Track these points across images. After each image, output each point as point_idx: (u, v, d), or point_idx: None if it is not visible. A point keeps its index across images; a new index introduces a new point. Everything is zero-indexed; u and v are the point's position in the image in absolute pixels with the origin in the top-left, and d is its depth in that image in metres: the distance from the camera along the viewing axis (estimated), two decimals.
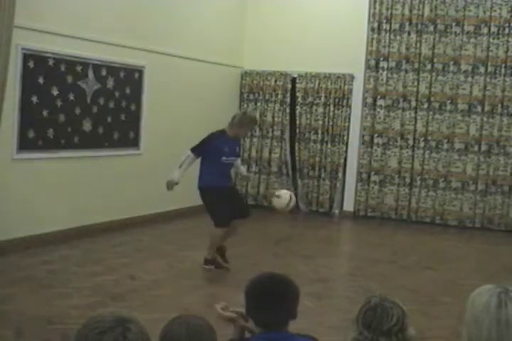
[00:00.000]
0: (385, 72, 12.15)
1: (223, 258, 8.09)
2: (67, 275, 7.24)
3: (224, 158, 7.81)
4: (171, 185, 7.77)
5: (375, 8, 12.11)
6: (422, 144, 12.03)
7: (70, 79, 8.79)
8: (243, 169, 8.72)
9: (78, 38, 8.85)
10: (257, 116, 11.94)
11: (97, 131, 9.40)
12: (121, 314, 2.22)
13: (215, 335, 2.70)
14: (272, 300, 3.04)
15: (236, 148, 8.15)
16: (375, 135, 12.27)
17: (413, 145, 12.09)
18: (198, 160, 7.93)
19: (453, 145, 11.86)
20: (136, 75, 10.11)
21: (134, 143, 10.24)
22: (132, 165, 10.18)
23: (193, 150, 7.81)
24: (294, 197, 8.02)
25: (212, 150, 7.75)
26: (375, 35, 12.15)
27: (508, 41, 11.51)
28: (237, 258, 8.15)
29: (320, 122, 12.52)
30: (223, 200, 7.72)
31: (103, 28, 9.32)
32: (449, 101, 11.85)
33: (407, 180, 12.16)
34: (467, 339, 2.39)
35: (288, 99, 12.72)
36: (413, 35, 11.98)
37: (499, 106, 11.60)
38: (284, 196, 7.92)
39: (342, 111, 12.40)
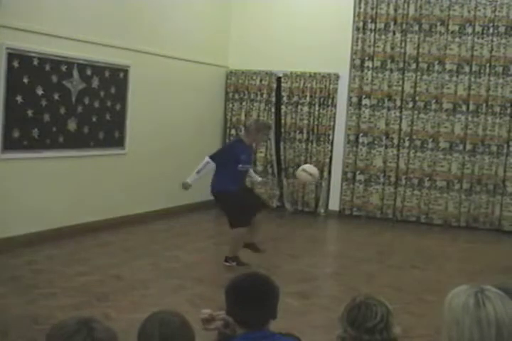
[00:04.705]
0: (370, 72, 12.18)
1: (257, 250, 8.34)
2: (52, 276, 7.21)
3: (240, 165, 8.06)
4: (187, 186, 7.96)
5: (360, 7, 12.13)
6: (407, 143, 12.06)
7: (54, 78, 8.77)
8: (257, 176, 8.90)
9: (63, 38, 8.83)
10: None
11: (82, 130, 9.37)
12: (81, 316, 2.25)
13: (191, 332, 2.71)
14: (253, 299, 3.06)
15: (251, 155, 8.56)
16: (360, 134, 12.29)
17: (398, 145, 12.13)
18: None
19: (438, 144, 11.90)
20: (121, 75, 10.09)
21: (120, 142, 10.22)
22: (118, 164, 10.16)
23: (213, 157, 7.96)
24: (312, 170, 8.42)
25: (231, 158, 7.97)
26: (360, 35, 12.18)
27: (492, 41, 11.55)
28: (223, 258, 8.13)
29: (305, 121, 12.53)
30: (240, 201, 7.88)
31: (88, 27, 9.29)
32: (434, 101, 11.89)
33: (392, 179, 12.19)
34: None
35: (273, 99, 12.72)
36: (398, 35, 12.02)
37: (484, 105, 11.65)
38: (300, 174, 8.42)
39: (327, 111, 12.42)
